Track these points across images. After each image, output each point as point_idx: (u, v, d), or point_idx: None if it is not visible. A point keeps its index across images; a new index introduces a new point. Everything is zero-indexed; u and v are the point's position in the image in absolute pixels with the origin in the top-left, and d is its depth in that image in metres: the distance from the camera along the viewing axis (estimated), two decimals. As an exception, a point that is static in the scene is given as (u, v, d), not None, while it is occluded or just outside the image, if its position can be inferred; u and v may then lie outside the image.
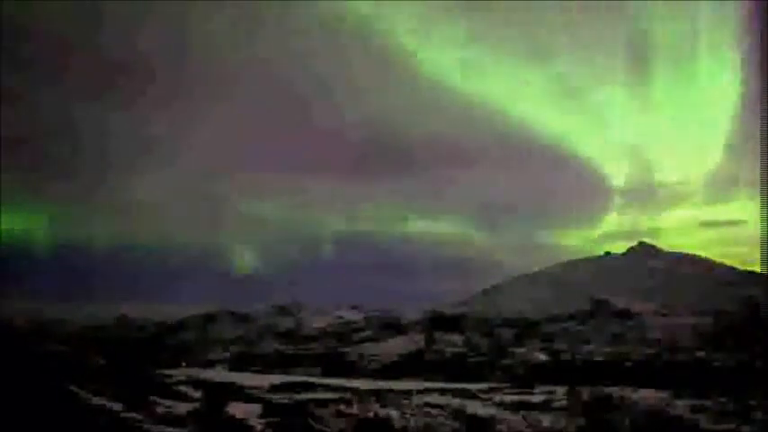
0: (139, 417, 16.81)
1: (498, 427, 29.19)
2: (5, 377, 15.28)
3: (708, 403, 36.61)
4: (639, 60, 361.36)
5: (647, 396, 40.43)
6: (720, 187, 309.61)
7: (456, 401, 37.72)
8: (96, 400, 17.55)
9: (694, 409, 34.07)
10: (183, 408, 21.95)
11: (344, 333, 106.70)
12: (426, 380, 69.43)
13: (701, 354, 66.26)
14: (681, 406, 35.50)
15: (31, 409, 13.33)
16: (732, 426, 29.37)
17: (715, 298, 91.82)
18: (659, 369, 64.02)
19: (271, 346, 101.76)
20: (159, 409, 20.55)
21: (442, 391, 46.32)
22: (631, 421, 29.71)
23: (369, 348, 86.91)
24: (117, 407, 17.38)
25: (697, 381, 52.95)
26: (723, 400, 38.02)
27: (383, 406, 33.58)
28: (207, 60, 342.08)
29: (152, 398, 23.12)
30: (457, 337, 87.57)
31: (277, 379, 58.28)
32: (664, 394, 41.98)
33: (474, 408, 34.61)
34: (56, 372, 20.71)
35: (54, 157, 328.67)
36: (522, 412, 33.11)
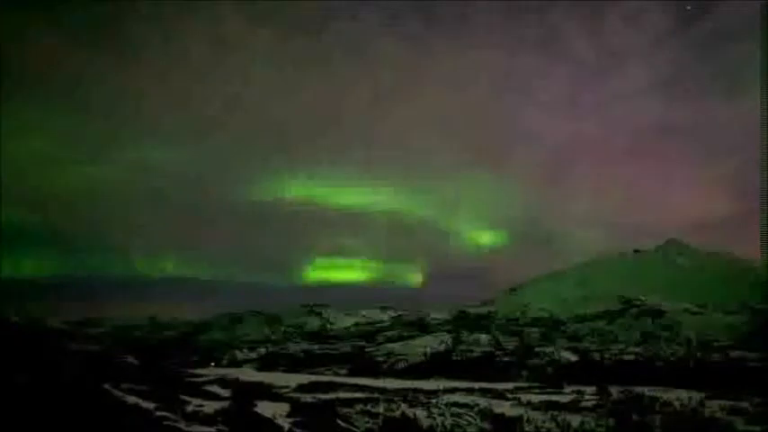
0: (172, 415, 17.19)
1: (526, 427, 28.98)
2: (42, 377, 15.80)
3: (743, 404, 35.74)
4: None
5: (679, 397, 39.66)
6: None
7: (483, 401, 37.58)
8: (130, 399, 18.01)
9: (729, 411, 33.30)
10: (212, 407, 22.36)
11: (371, 333, 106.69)
12: (453, 379, 69.24)
13: (735, 353, 64.53)
14: (714, 407, 34.74)
15: (67, 408, 13.76)
16: (768, 427, 28.60)
17: (749, 296, 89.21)
18: (692, 369, 62.66)
19: (298, 346, 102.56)
20: (189, 408, 20.97)
21: (469, 391, 46.19)
22: (663, 422, 29.17)
23: (395, 348, 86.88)
24: (150, 406, 17.81)
25: (731, 381, 51.70)
26: (758, 401, 37.06)
27: (410, 405, 33.66)
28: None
29: (183, 397, 23.62)
30: (483, 337, 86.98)
31: (304, 378, 58.91)
32: (697, 395, 41.13)
33: (502, 407, 34.42)
34: (90, 371, 21.33)
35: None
36: (550, 412, 32.78)
